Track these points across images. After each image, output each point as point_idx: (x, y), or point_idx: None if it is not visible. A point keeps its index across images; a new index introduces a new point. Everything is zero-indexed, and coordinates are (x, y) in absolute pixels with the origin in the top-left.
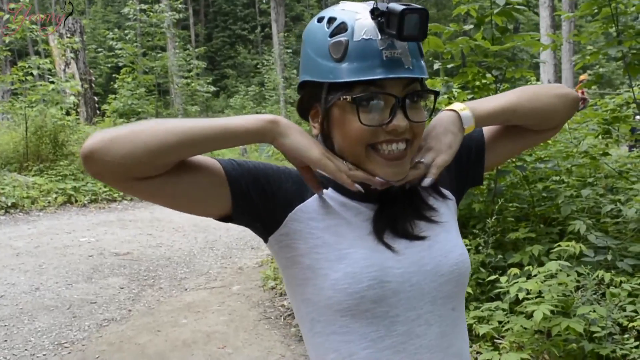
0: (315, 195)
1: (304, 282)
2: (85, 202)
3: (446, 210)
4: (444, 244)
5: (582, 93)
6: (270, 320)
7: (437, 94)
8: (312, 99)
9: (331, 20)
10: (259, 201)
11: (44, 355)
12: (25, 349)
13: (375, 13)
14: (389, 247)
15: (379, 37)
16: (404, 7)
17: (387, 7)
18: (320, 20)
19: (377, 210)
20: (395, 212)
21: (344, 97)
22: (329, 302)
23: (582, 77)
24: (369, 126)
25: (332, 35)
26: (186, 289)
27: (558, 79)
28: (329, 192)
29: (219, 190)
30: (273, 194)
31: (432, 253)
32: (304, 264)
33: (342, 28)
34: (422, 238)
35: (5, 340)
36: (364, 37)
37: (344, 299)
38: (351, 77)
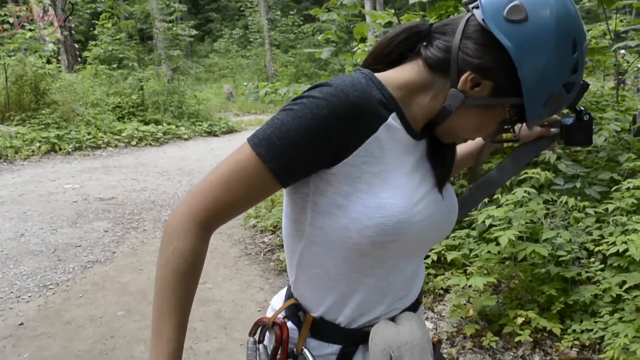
0: (377, 133)
1: (324, 213)
2: (69, 150)
3: None
4: (450, 200)
5: None
6: (251, 256)
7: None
8: (493, 73)
9: (576, 68)
10: (310, 172)
11: (29, 296)
12: (11, 292)
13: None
14: (425, 192)
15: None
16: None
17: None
18: (575, 44)
19: (440, 159)
20: (448, 164)
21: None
22: (345, 240)
23: None
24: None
25: (568, 83)
26: None
27: None
28: (391, 119)
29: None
30: (324, 159)
31: (441, 207)
32: (336, 201)
33: (572, 84)
34: (441, 193)
35: None
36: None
37: (364, 244)
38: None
